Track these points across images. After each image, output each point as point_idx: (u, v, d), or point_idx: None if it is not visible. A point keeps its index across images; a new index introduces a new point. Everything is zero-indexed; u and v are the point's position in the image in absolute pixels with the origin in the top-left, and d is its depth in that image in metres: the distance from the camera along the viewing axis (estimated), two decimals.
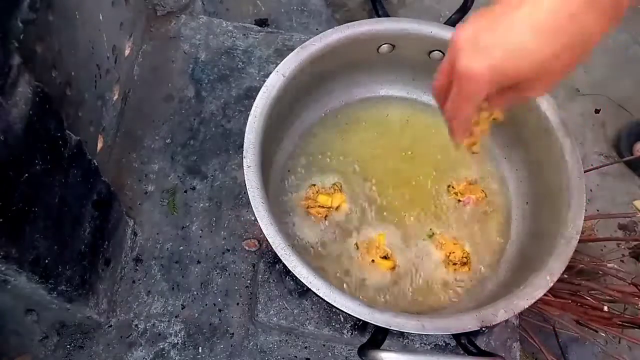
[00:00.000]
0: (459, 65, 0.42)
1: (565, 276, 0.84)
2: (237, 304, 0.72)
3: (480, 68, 0.40)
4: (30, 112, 0.45)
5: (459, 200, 0.71)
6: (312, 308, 0.69)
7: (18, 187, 0.45)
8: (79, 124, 0.62)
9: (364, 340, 0.54)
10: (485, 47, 0.40)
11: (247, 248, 0.75)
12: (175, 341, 0.70)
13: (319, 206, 0.68)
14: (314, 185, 0.70)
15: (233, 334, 0.71)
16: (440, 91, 0.48)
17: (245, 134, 0.60)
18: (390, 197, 0.70)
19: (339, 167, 0.72)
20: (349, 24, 0.67)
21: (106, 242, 0.67)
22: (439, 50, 0.69)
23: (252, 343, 0.70)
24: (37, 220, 0.49)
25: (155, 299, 0.72)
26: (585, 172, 0.62)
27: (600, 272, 0.91)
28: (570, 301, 0.86)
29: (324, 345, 0.71)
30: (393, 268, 0.66)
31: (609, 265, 0.87)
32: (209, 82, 0.86)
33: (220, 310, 0.72)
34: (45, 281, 0.53)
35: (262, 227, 0.55)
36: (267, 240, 0.55)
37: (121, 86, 0.79)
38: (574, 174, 0.61)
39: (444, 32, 0.67)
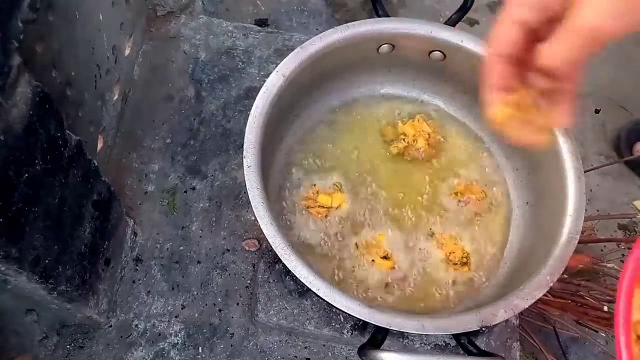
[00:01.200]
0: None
1: (565, 276, 0.84)
2: (237, 304, 0.72)
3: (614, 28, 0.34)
4: (30, 112, 0.45)
5: (459, 200, 0.71)
6: (312, 308, 0.69)
7: (18, 187, 0.45)
8: (79, 124, 0.62)
9: (364, 340, 0.54)
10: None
11: (247, 248, 0.75)
12: (175, 341, 0.70)
13: (319, 206, 0.68)
14: (314, 185, 0.70)
15: (233, 334, 0.71)
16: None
17: (245, 134, 0.60)
18: (391, 197, 0.70)
19: (339, 167, 0.72)
20: (349, 24, 0.67)
21: (106, 242, 0.67)
22: (439, 51, 0.69)
23: (252, 343, 0.70)
24: (37, 220, 0.49)
25: (155, 299, 0.72)
26: (585, 172, 0.62)
27: (600, 273, 0.91)
28: (570, 301, 0.86)
29: (324, 345, 0.71)
30: (393, 268, 0.66)
31: (609, 265, 0.87)
32: (209, 82, 0.86)
33: (220, 310, 0.72)
34: (45, 281, 0.53)
35: (262, 227, 0.55)
36: (267, 240, 0.55)
37: (121, 86, 0.79)
38: (574, 174, 0.61)
39: (444, 32, 0.67)
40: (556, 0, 0.38)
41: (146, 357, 0.69)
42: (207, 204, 0.78)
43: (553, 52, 0.37)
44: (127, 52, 0.80)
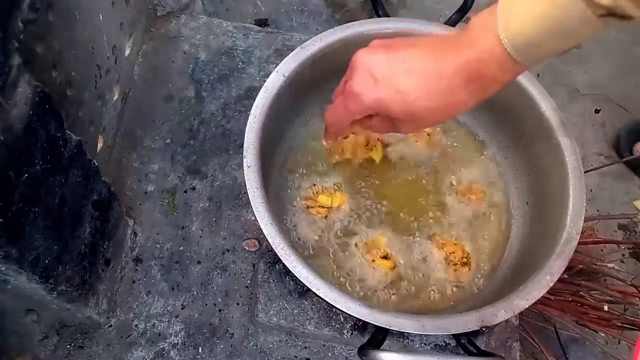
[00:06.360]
0: (351, 84, 0.49)
1: (565, 276, 0.84)
2: (237, 304, 0.72)
3: (368, 95, 0.47)
4: (30, 112, 0.45)
5: (459, 201, 0.71)
6: (312, 308, 0.69)
7: (18, 187, 0.45)
8: (79, 124, 0.62)
9: (364, 340, 0.54)
10: (378, 80, 0.47)
11: (247, 248, 0.75)
12: (175, 341, 0.70)
13: (319, 206, 0.68)
14: (314, 185, 0.70)
15: (233, 334, 0.71)
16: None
17: (245, 134, 0.60)
18: (391, 197, 0.70)
19: (339, 167, 0.72)
20: (349, 24, 0.67)
21: (106, 242, 0.67)
22: None
23: (252, 343, 0.70)
24: (37, 220, 0.49)
25: (155, 299, 0.72)
26: (585, 172, 0.62)
27: (601, 273, 0.91)
28: (570, 301, 0.86)
29: (324, 346, 0.71)
30: (393, 268, 0.66)
31: (609, 265, 0.87)
32: (209, 82, 0.86)
33: (220, 310, 0.72)
34: (45, 281, 0.53)
35: (262, 227, 0.55)
36: (267, 240, 0.55)
37: (121, 86, 0.79)
38: (574, 174, 0.61)
39: (444, 32, 0.67)
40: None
41: (146, 357, 0.69)
42: (207, 204, 0.78)
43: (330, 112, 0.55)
44: (127, 52, 0.80)
